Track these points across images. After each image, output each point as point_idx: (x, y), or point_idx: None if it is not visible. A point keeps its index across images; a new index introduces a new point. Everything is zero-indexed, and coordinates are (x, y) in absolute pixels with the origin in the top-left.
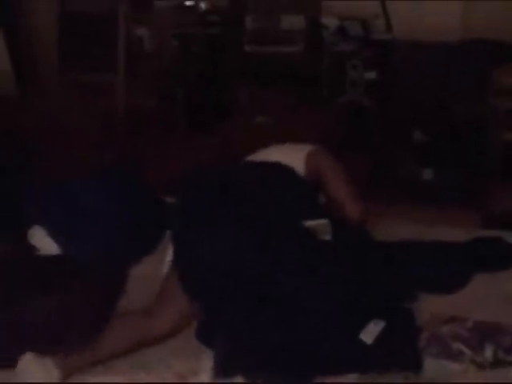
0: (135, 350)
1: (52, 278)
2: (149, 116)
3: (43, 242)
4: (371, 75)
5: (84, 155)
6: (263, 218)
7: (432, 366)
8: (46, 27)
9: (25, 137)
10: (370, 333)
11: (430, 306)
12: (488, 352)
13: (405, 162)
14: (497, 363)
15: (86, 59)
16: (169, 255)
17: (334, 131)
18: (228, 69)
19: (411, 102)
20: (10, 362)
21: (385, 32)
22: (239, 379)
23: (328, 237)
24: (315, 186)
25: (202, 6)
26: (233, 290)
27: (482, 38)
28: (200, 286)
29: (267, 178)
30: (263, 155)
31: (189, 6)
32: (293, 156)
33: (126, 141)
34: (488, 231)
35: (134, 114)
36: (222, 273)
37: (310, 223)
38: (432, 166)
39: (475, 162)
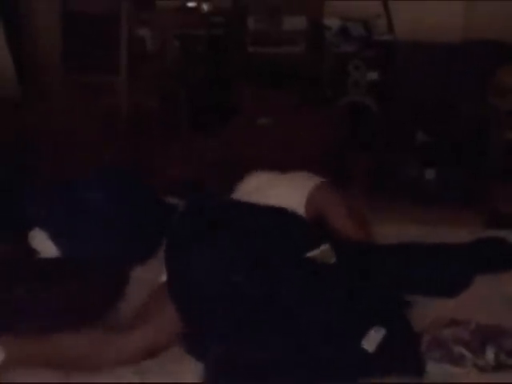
0: (105, 366)
1: (52, 279)
2: (151, 117)
3: (44, 244)
4: (373, 76)
5: (86, 156)
6: (259, 245)
7: (434, 370)
8: (48, 27)
9: (26, 137)
10: (371, 340)
11: (431, 310)
12: (490, 355)
13: (407, 163)
14: (499, 366)
15: (88, 59)
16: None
17: (337, 132)
18: (230, 70)
19: (413, 102)
20: None
21: (387, 32)
22: None
23: (333, 260)
24: (316, 219)
25: (205, 7)
26: (226, 303)
27: (484, 39)
28: (193, 299)
29: (264, 221)
30: (261, 191)
31: (191, 7)
32: (293, 196)
33: (127, 141)
34: (491, 231)
35: (136, 115)
36: (216, 290)
37: (311, 253)
38: (434, 166)
39: (477, 162)
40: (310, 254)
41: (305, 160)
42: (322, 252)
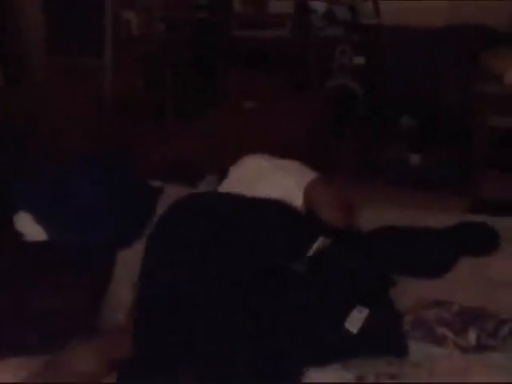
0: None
1: (39, 264)
2: (136, 100)
3: (29, 228)
4: (360, 60)
5: (71, 140)
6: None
7: (416, 350)
8: (32, 9)
9: (9, 121)
10: (354, 321)
11: (414, 290)
12: (472, 336)
13: (392, 147)
14: (480, 347)
15: (72, 42)
16: None
17: (322, 116)
18: (216, 53)
19: (399, 86)
20: None
21: (373, 16)
22: None
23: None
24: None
25: None
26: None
27: (469, 23)
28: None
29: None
30: (256, 180)
31: None
32: (291, 188)
33: (112, 125)
34: (475, 216)
35: (121, 98)
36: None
37: (310, 251)
38: (419, 150)
39: (462, 148)
40: (309, 253)
41: (291, 143)
42: (319, 246)
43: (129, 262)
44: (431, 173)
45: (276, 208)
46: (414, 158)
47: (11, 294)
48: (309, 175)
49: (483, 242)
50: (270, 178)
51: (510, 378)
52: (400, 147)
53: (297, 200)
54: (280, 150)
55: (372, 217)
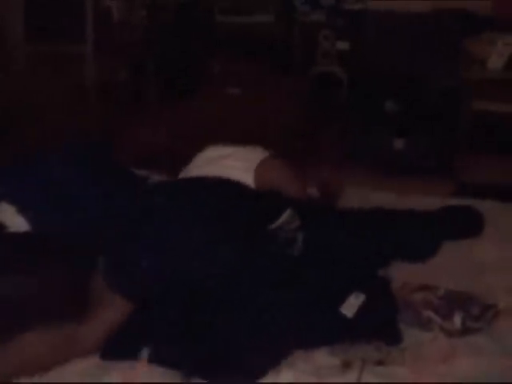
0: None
1: (23, 255)
2: (118, 87)
3: (12, 219)
4: (344, 45)
5: (53, 128)
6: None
7: (402, 333)
8: None
9: None
10: (350, 306)
11: (401, 274)
12: (457, 320)
13: (377, 132)
14: (465, 331)
15: (53, 29)
16: None
17: (306, 102)
18: (199, 39)
19: (383, 72)
20: None
21: (357, 1)
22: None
23: (297, 223)
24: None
25: None
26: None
27: (454, 8)
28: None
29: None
30: (212, 164)
31: None
32: (240, 168)
33: (95, 112)
34: (459, 200)
35: (104, 85)
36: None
37: (273, 225)
38: (404, 135)
39: (447, 132)
40: (273, 226)
41: (275, 129)
42: (286, 218)
43: None
44: (415, 157)
45: (232, 185)
46: (398, 143)
47: None
48: (258, 156)
49: (467, 226)
50: (219, 165)
51: (494, 361)
52: (384, 132)
53: (246, 180)
54: (264, 135)
55: (356, 200)
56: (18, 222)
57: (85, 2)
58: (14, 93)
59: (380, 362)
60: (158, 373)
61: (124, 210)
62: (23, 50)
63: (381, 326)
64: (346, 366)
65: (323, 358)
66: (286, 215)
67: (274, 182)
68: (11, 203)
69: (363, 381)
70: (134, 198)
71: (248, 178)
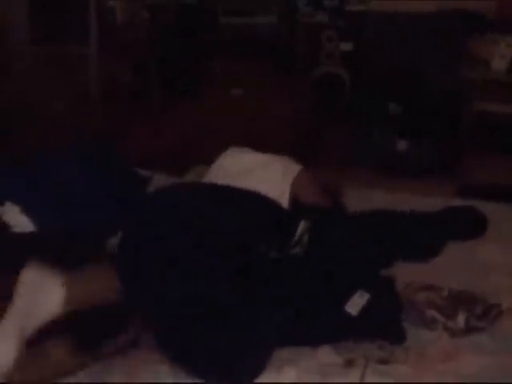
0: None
1: (28, 255)
2: (122, 88)
3: (16, 219)
4: (347, 46)
5: (57, 128)
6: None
7: (406, 332)
8: None
9: None
10: (355, 305)
11: (404, 274)
12: (461, 319)
13: (380, 133)
14: (469, 330)
15: (57, 31)
16: None
17: (310, 102)
18: (202, 40)
19: (386, 73)
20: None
21: (360, 2)
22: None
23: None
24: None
25: None
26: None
27: (457, 9)
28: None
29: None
30: (241, 174)
31: None
32: (277, 183)
33: (98, 113)
34: (462, 201)
35: (107, 86)
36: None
37: (296, 235)
38: (406, 137)
39: (449, 133)
40: (298, 233)
41: (278, 130)
42: (300, 232)
43: None
44: (419, 158)
45: (257, 200)
46: (401, 144)
47: None
48: (293, 169)
49: (471, 226)
50: (256, 173)
51: (497, 361)
52: (387, 133)
53: (284, 193)
54: (267, 136)
55: (359, 202)
56: (22, 222)
57: (88, 4)
58: (19, 93)
59: (383, 361)
60: (162, 373)
61: (127, 210)
62: (28, 51)
63: (385, 325)
64: (349, 364)
65: (326, 355)
66: (301, 229)
67: (307, 194)
68: (15, 203)
69: (366, 379)
70: (137, 195)
71: (285, 191)
